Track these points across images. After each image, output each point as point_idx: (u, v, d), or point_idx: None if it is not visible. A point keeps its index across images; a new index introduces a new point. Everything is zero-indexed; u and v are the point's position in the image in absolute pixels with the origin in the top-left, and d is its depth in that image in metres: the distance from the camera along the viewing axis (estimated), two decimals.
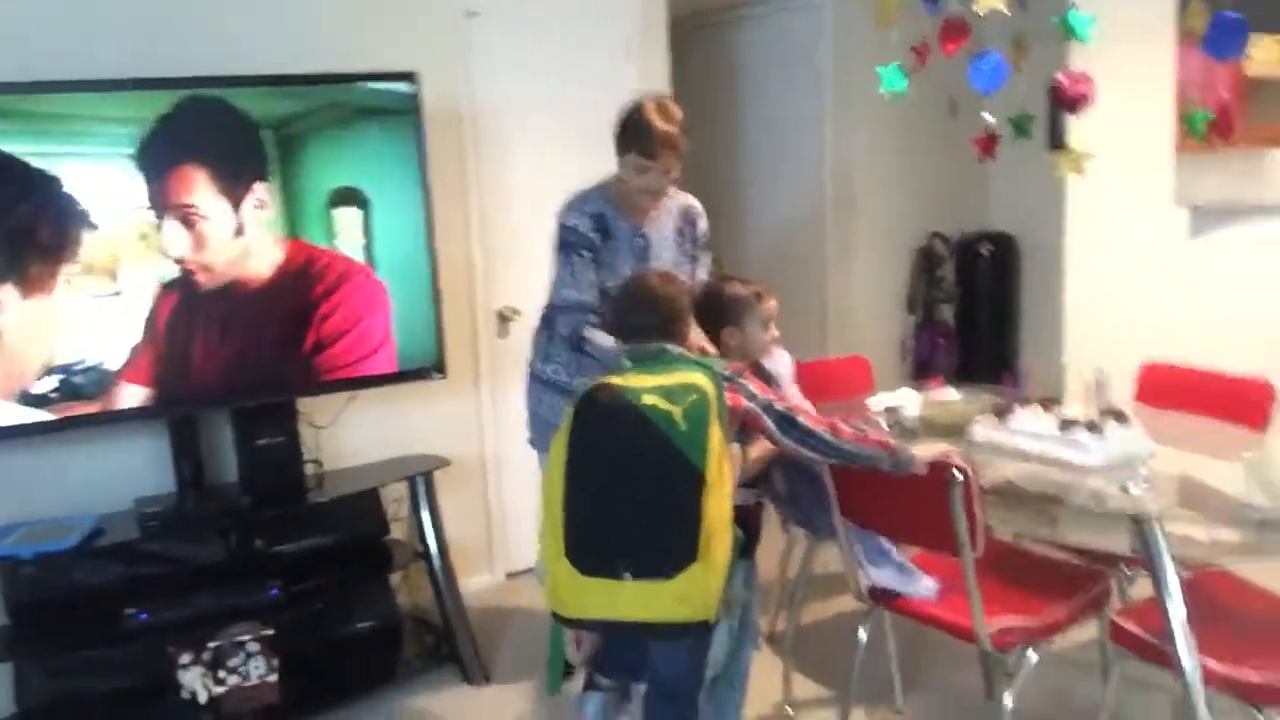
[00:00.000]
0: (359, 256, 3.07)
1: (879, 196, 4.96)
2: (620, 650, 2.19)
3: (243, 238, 2.88)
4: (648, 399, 1.92)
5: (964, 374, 5.07)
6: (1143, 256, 3.66)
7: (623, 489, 1.93)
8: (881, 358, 5.09)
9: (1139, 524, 2.12)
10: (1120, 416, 2.47)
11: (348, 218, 3.06)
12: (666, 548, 1.90)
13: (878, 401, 3.01)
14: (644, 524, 1.91)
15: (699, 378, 1.97)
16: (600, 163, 2.76)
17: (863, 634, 2.60)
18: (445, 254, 3.35)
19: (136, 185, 2.74)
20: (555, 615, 2.04)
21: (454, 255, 3.57)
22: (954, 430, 2.75)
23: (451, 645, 3.19)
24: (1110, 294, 3.77)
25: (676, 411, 1.90)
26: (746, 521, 2.54)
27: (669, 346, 2.12)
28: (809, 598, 3.40)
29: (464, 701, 3.05)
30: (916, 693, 2.97)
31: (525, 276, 3.79)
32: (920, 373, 5.06)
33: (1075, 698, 2.85)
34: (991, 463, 2.55)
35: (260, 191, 2.89)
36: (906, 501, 2.32)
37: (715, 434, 1.92)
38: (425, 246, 3.18)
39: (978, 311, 5.11)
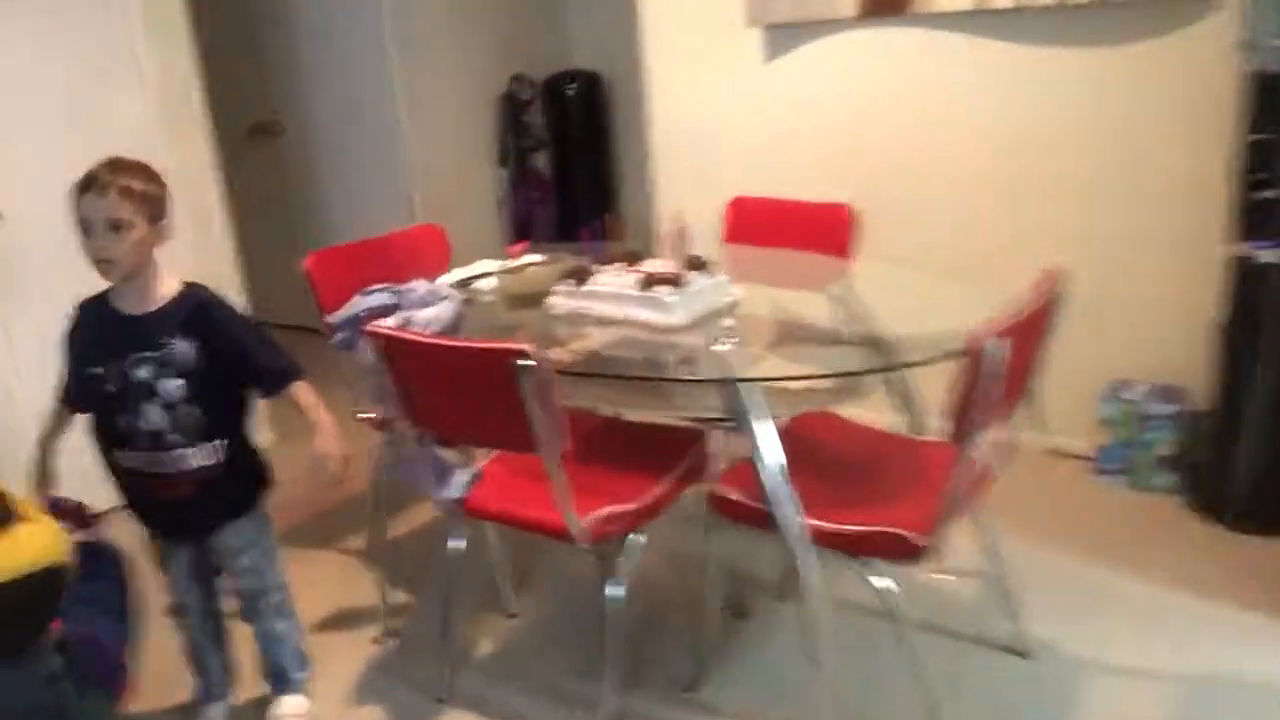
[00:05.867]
0: None
1: (449, 41, 4.44)
2: None
3: None
4: None
5: (566, 228, 4.80)
6: (722, 85, 3.46)
7: None
8: (480, 221, 4.71)
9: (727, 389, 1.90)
10: (701, 265, 2.22)
11: None
12: None
13: (450, 277, 2.60)
14: None
15: None
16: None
17: (454, 543, 2.26)
18: None
19: None
20: None
21: None
22: (535, 300, 2.40)
23: None
24: (694, 129, 3.56)
25: None
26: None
27: None
28: (399, 505, 3.06)
29: None
30: (529, 591, 2.70)
31: (10, 168, 2.99)
32: (522, 232, 4.72)
33: (689, 555, 2.69)
34: (580, 334, 2.24)
35: None
36: (476, 400, 1.95)
37: None
38: None
39: (572, 158, 4.81)
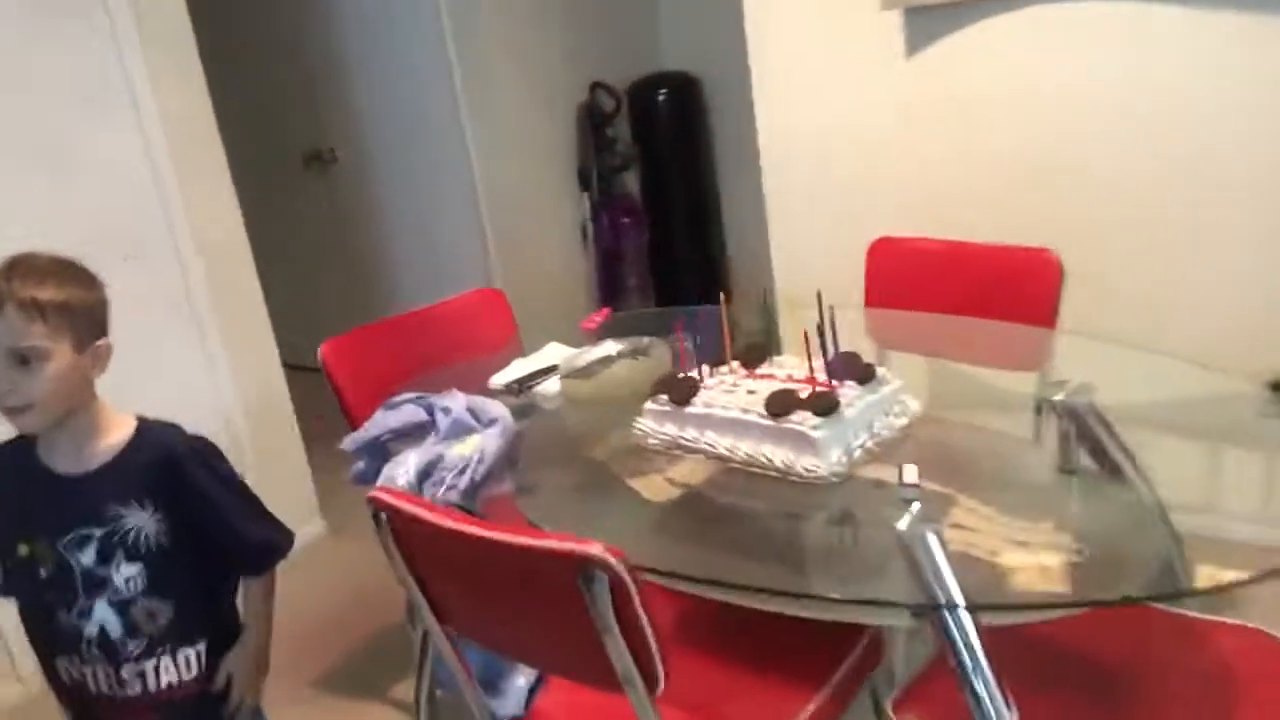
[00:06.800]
0: None
1: (518, 44, 3.80)
2: None
3: None
4: None
5: (659, 258, 4.12)
6: (850, 86, 2.72)
7: None
8: (561, 252, 4.07)
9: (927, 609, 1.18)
10: (861, 372, 1.50)
11: None
12: None
13: (505, 375, 1.94)
14: None
15: None
16: None
17: None
18: None
19: None
20: None
21: None
22: (620, 411, 1.72)
23: None
24: (816, 145, 2.82)
25: None
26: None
27: None
28: None
29: None
30: None
31: None
32: (609, 262, 4.06)
33: None
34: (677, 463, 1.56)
35: None
36: (527, 613, 1.28)
37: None
38: None
39: (665, 176, 4.11)
